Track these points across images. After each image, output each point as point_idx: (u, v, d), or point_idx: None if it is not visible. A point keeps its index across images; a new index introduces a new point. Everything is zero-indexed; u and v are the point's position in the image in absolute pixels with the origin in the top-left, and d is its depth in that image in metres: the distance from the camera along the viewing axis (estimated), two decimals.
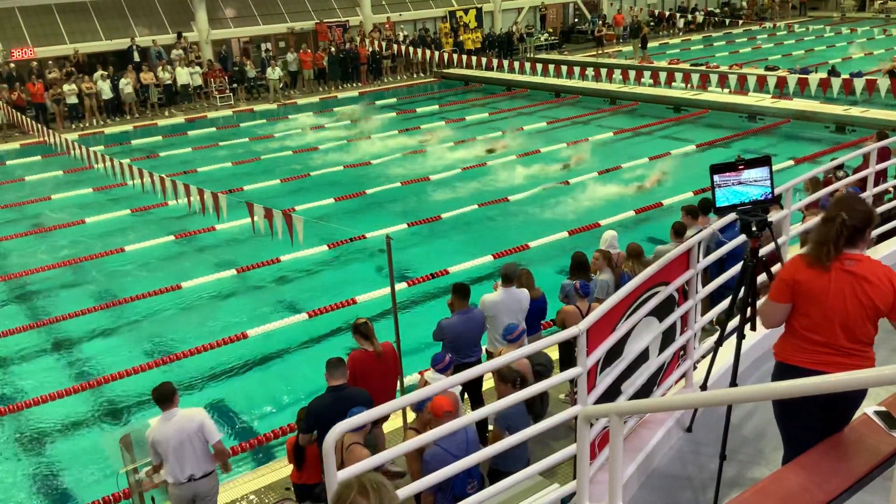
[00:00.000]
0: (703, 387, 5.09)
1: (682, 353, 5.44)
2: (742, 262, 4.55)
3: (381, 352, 6.43)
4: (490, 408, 4.05)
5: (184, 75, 25.58)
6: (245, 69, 27.08)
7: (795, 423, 4.09)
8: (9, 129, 22.89)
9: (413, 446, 3.86)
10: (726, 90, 23.46)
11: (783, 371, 3.98)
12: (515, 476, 4.12)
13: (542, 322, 8.04)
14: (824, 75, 22.87)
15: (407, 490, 3.66)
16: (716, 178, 4.46)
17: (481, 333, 7.19)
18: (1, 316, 11.29)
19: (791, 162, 15.90)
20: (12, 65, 24.35)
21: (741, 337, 4.49)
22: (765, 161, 4.47)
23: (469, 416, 3.92)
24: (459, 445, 4.99)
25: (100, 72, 24.35)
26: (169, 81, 25.22)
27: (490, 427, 6.19)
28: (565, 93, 25.99)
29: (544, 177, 16.54)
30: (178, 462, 5.74)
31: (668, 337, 5.09)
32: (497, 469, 5.41)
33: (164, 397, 5.80)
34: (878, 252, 7.61)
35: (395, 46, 29.64)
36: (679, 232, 8.22)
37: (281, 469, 7.05)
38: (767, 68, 25.83)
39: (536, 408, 5.91)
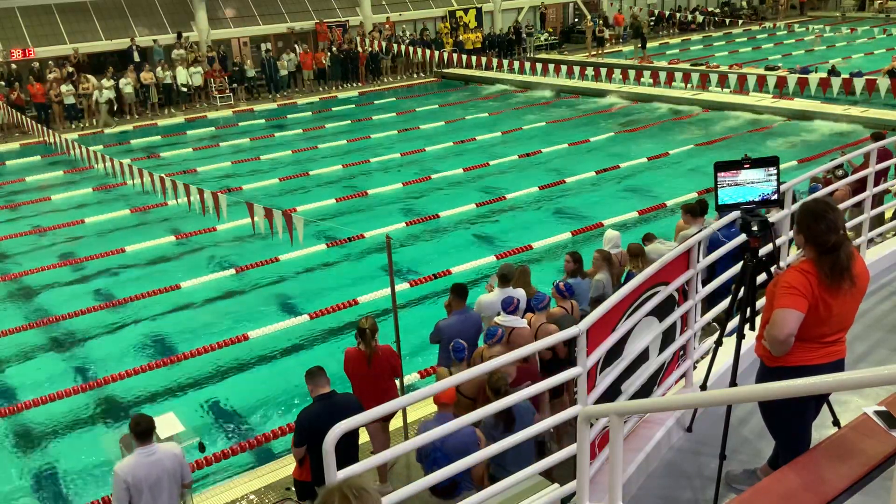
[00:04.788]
0: (703, 387, 5.09)
1: (681, 352, 5.44)
2: (742, 262, 4.55)
3: (371, 356, 6.38)
4: (470, 416, 3.96)
5: (184, 75, 25.57)
6: (245, 69, 27.07)
7: (799, 418, 4.09)
8: (9, 129, 22.91)
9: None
10: (726, 90, 23.46)
11: (783, 374, 3.91)
12: (515, 476, 4.12)
13: None
14: (824, 75, 22.87)
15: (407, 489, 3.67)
16: (719, 175, 4.45)
17: (478, 335, 7.13)
18: (0, 316, 11.29)
19: (794, 163, 15.91)
20: (13, 66, 24.33)
21: (741, 337, 4.49)
22: (772, 161, 4.46)
23: (464, 419, 3.89)
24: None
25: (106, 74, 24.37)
26: (168, 81, 25.20)
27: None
28: (565, 93, 26.00)
29: (544, 176, 16.54)
30: (153, 499, 5.39)
31: (668, 337, 5.09)
32: (491, 474, 5.40)
33: (147, 432, 5.37)
34: (877, 253, 7.61)
35: (396, 46, 29.64)
36: (635, 254, 8.03)
37: (281, 469, 7.05)
38: (767, 68, 25.83)
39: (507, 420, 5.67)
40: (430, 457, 5.10)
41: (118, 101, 24.55)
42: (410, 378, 8.27)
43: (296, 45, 28.23)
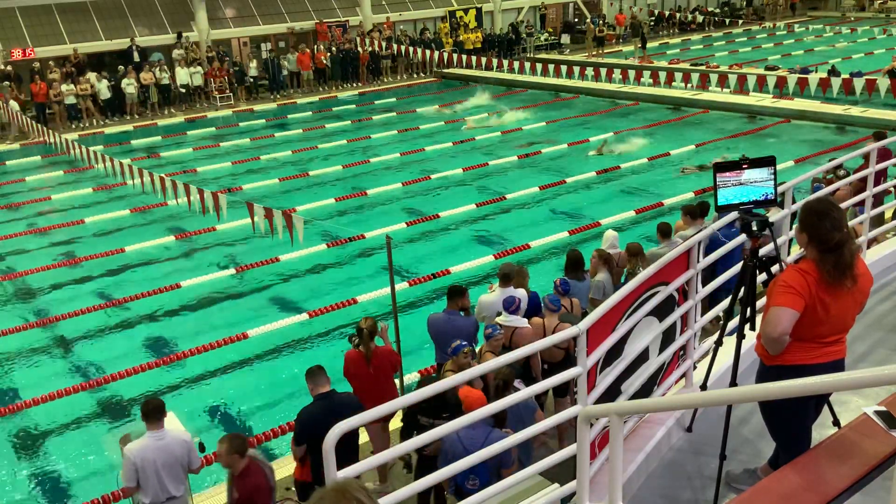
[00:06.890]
0: (703, 387, 5.09)
1: (681, 352, 5.44)
2: (742, 262, 4.56)
3: (370, 357, 6.38)
4: (469, 417, 3.95)
5: (184, 75, 25.56)
6: (249, 69, 27.03)
7: (798, 418, 4.10)
8: (9, 129, 22.90)
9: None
10: (726, 90, 23.46)
11: (781, 373, 3.93)
12: (515, 476, 4.12)
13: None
14: (824, 75, 22.86)
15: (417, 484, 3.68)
16: (719, 176, 4.46)
17: (465, 339, 7.00)
18: (0, 315, 11.28)
19: (791, 162, 15.91)
20: (9, 67, 24.29)
21: (741, 337, 4.49)
22: (769, 161, 4.47)
23: (465, 418, 3.88)
24: (474, 440, 4.97)
25: (94, 74, 24.28)
26: (167, 82, 25.17)
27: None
28: (565, 93, 25.99)
29: (544, 176, 16.54)
30: (160, 483, 5.54)
31: (668, 337, 5.09)
32: None
33: (154, 412, 5.56)
34: (877, 253, 7.61)
35: (396, 46, 29.63)
36: (665, 232, 8.24)
37: (281, 469, 7.03)
38: (767, 68, 25.83)
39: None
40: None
41: (119, 101, 24.56)
42: (410, 378, 8.27)
43: (309, 46, 28.17)
